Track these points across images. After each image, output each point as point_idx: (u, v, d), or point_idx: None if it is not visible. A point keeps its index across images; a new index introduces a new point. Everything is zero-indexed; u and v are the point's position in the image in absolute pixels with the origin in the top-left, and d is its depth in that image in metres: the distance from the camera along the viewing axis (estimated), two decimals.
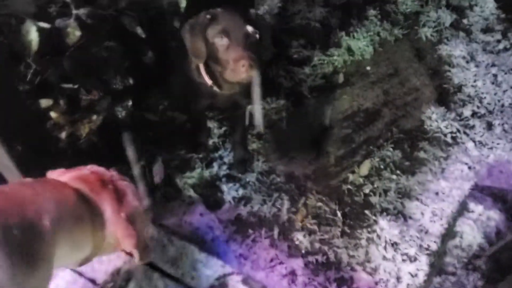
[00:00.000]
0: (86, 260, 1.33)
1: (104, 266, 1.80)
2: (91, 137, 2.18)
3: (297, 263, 2.05)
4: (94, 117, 2.20)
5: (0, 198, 1.11)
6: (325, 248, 2.11)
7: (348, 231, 2.18)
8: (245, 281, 1.81)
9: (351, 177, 2.35)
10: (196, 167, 2.34)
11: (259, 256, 2.05)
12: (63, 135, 2.17)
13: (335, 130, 2.49)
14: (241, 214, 2.20)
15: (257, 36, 1.75)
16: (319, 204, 2.24)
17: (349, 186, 2.32)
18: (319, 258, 2.07)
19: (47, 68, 1.92)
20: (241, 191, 2.28)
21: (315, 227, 2.16)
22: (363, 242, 2.14)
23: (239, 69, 1.68)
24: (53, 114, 2.17)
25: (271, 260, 2.04)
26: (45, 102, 2.16)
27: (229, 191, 2.28)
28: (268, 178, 2.32)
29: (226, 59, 1.73)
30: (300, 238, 2.11)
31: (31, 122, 2.04)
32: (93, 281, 1.79)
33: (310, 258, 2.06)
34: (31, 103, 2.10)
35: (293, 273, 2.02)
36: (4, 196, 1.12)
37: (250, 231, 2.13)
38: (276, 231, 2.12)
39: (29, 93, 2.07)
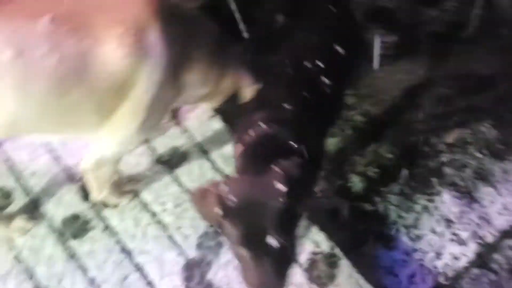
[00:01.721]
0: (202, 98, 1.69)
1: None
2: None
3: (343, 204, 2.05)
4: None
5: None
6: (378, 199, 2.08)
7: (408, 192, 2.10)
8: None
9: (434, 139, 2.22)
10: None
11: None
12: None
13: (436, 86, 2.30)
14: None
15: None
16: (389, 155, 2.17)
17: (428, 148, 2.20)
18: (367, 206, 2.06)
19: None
20: None
21: (375, 176, 2.11)
22: (418, 207, 2.07)
23: None
24: None
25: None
26: None
27: None
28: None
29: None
30: (355, 180, 2.09)
31: None
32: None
33: (358, 204, 2.06)
34: None
35: (335, 210, 2.05)
36: None
37: None
38: None
39: None
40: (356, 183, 2.09)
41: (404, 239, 2.02)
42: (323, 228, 1.89)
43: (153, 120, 1.48)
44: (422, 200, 2.08)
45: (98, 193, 1.80)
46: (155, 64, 1.31)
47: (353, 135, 2.19)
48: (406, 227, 2.04)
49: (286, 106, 1.49)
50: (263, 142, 1.41)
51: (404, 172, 2.13)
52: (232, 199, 1.23)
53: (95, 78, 1.26)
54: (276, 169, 1.25)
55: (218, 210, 1.22)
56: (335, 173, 2.10)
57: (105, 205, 1.89)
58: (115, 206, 1.89)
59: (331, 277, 1.81)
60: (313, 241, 1.86)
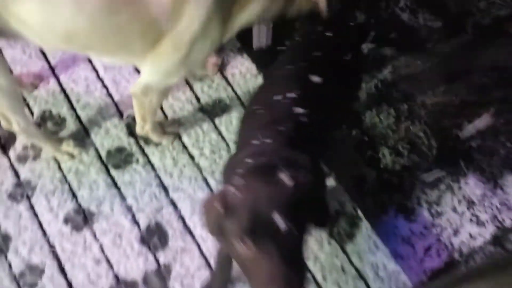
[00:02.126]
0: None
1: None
2: None
3: (371, 173, 2.14)
4: None
5: None
6: (405, 173, 2.16)
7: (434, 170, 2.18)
8: None
9: (466, 125, 2.27)
10: None
11: None
12: None
13: (475, 75, 2.35)
14: None
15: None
16: (421, 134, 2.23)
17: (458, 133, 2.26)
18: (394, 179, 2.14)
19: None
20: None
21: (405, 151, 2.18)
22: (442, 186, 2.14)
23: None
24: None
25: None
26: None
27: None
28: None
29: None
30: (385, 153, 2.17)
31: None
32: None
33: (385, 175, 2.14)
34: None
35: (363, 178, 2.14)
36: None
37: None
38: None
39: None
40: (386, 155, 2.17)
41: (425, 213, 2.09)
42: (348, 191, 1.98)
43: (197, 55, 1.54)
44: (447, 180, 2.15)
45: (141, 125, 1.91)
46: (201, 1, 1.37)
47: (388, 110, 2.27)
48: (429, 203, 2.11)
49: (267, 141, 1.42)
50: (256, 172, 1.29)
51: (433, 151, 2.20)
52: (237, 194, 1.16)
53: (142, 4, 1.34)
54: (283, 173, 1.19)
55: (220, 209, 1.14)
56: (367, 144, 2.18)
57: (147, 142, 2.02)
58: (158, 144, 2.02)
59: (351, 236, 1.90)
60: (338, 201, 1.95)
